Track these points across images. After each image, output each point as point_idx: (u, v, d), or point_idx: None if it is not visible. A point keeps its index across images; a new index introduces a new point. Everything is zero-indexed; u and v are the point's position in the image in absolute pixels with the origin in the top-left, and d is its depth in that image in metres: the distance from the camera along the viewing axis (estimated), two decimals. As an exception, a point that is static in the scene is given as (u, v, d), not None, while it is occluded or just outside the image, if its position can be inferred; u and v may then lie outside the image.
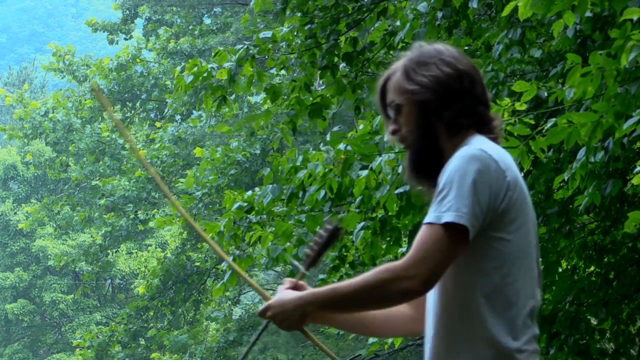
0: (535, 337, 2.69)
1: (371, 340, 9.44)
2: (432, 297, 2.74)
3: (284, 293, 2.76)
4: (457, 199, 2.57)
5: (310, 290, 2.74)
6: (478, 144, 2.67)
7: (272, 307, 2.76)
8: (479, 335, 2.63)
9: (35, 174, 31.38)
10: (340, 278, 7.51)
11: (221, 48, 7.58)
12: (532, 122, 5.16)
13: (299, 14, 7.47)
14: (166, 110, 19.83)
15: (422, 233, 2.61)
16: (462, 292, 2.65)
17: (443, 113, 2.73)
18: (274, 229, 6.88)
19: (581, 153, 4.69)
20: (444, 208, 2.58)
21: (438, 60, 2.76)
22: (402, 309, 2.94)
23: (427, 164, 2.75)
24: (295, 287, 2.84)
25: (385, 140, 6.01)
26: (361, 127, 6.40)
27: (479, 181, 2.59)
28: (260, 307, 2.80)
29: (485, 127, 2.76)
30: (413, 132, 2.76)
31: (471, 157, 2.62)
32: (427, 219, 2.61)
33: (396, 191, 6.02)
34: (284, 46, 7.60)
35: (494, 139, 2.76)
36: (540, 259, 6.18)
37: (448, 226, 2.57)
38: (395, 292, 2.61)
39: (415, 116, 2.75)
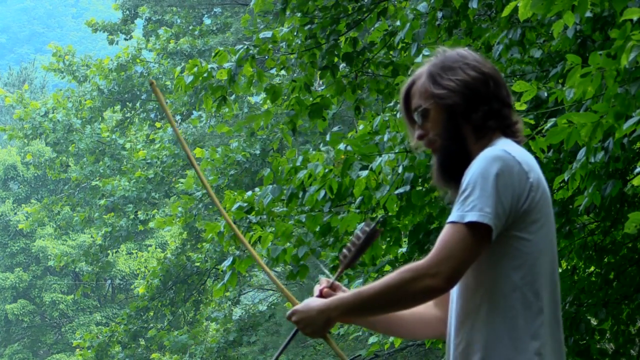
0: (556, 341, 2.70)
1: (371, 340, 9.44)
2: (453, 297, 2.76)
3: (311, 299, 2.79)
4: (481, 199, 2.60)
5: (336, 297, 2.76)
6: (502, 145, 2.70)
7: (298, 312, 2.78)
8: (498, 334, 2.64)
9: (35, 174, 31.38)
10: (340, 279, 7.50)
11: (221, 48, 7.58)
12: (532, 122, 5.17)
13: (299, 14, 7.47)
14: (166, 111, 19.78)
15: (445, 232, 2.63)
16: (482, 291, 2.67)
17: (471, 116, 2.76)
18: (274, 229, 6.88)
19: (581, 153, 4.68)
20: (468, 207, 2.61)
21: (463, 65, 2.78)
22: (431, 311, 2.96)
23: (456, 166, 2.77)
24: (331, 287, 2.88)
25: (385, 140, 6.02)
26: (361, 127, 6.40)
27: (502, 182, 2.61)
28: (288, 311, 2.82)
29: (509, 130, 2.79)
30: (441, 136, 2.79)
31: (494, 157, 2.64)
32: (450, 218, 2.64)
33: (396, 191, 6.02)
34: (284, 46, 7.60)
35: (518, 142, 2.79)
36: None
37: (471, 225, 2.59)
38: (418, 291, 2.63)
39: (443, 120, 2.78)
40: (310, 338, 3.08)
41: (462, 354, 2.70)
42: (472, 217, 2.59)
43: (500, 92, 2.79)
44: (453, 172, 2.77)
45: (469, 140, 2.77)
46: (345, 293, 2.76)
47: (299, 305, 2.80)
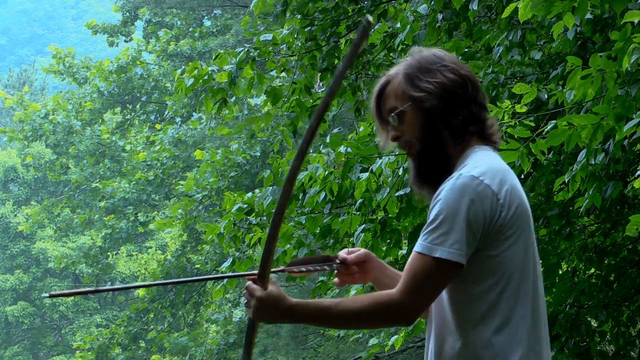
0: (537, 355, 2.67)
1: (371, 342, 9.43)
2: (433, 311, 2.74)
3: (280, 295, 2.67)
4: (450, 234, 2.58)
5: (302, 306, 2.66)
6: (472, 165, 2.66)
7: (262, 302, 2.67)
8: (478, 350, 2.63)
9: (35, 176, 31.39)
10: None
11: (221, 50, 7.59)
12: (533, 124, 5.16)
13: (299, 16, 7.47)
14: (166, 113, 19.84)
15: (413, 262, 2.61)
16: (459, 311, 2.66)
17: (450, 120, 2.72)
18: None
19: (581, 155, 4.68)
20: (437, 240, 2.59)
21: (441, 67, 2.74)
22: None
23: (434, 171, 2.74)
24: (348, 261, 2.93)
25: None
26: (361, 129, 6.40)
27: (472, 213, 2.58)
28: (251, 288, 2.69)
29: (486, 133, 2.76)
30: (419, 139, 2.74)
31: (463, 187, 2.60)
32: (418, 247, 2.61)
33: (396, 193, 6.02)
34: (284, 48, 7.60)
35: (494, 145, 2.77)
36: (541, 261, 6.18)
37: (441, 261, 2.58)
38: (388, 323, 2.67)
39: (420, 123, 2.74)
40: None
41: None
42: (441, 253, 2.57)
43: (478, 95, 2.76)
44: (431, 176, 2.74)
45: (448, 144, 2.73)
46: (311, 304, 2.67)
47: (267, 297, 2.67)
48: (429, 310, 2.76)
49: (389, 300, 2.61)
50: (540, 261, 6.24)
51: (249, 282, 2.71)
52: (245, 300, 2.72)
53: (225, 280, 7.15)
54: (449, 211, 2.59)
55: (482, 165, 2.66)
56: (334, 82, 2.74)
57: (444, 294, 2.68)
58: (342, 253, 2.98)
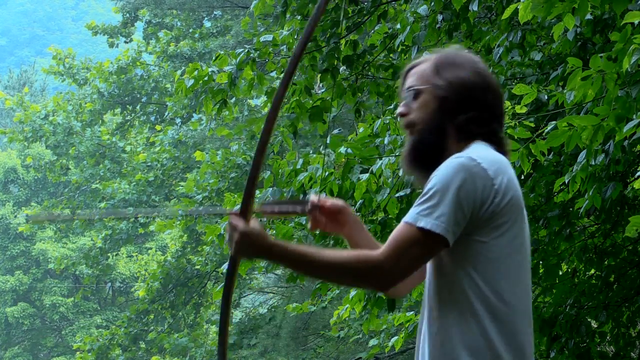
0: (524, 344, 2.68)
1: (371, 343, 9.43)
2: (425, 296, 2.76)
3: (260, 231, 2.70)
4: (438, 207, 2.61)
5: (281, 246, 2.69)
6: (472, 151, 2.70)
7: (244, 236, 2.70)
8: (469, 338, 2.64)
9: (36, 177, 31.39)
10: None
11: (221, 51, 7.59)
12: (533, 125, 5.17)
13: (299, 17, 7.47)
14: (166, 114, 19.85)
15: (399, 230, 2.65)
16: (445, 293, 2.68)
17: (458, 116, 2.76)
18: (274, 232, 6.88)
19: (582, 156, 4.69)
20: (424, 212, 2.62)
21: (470, 67, 2.81)
22: None
23: (427, 157, 2.78)
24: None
25: (386, 143, 6.02)
26: (361, 130, 6.40)
27: (464, 191, 2.61)
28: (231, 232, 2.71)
29: (494, 139, 2.79)
30: (423, 122, 2.79)
31: (459, 165, 2.64)
32: (406, 217, 2.65)
33: (396, 194, 6.02)
34: (285, 49, 7.60)
35: (502, 152, 2.78)
36: (541, 262, 6.18)
37: (425, 232, 2.60)
38: (363, 281, 2.67)
39: (431, 108, 2.79)
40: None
41: (429, 347, 2.71)
42: (425, 223, 2.60)
43: (496, 105, 2.80)
44: (423, 160, 2.79)
45: (449, 137, 2.77)
46: (291, 247, 2.69)
47: (250, 231, 2.69)
48: (424, 300, 2.76)
49: (370, 260, 2.62)
50: (541, 262, 6.26)
51: (232, 216, 2.73)
52: (228, 235, 2.73)
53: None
54: (441, 186, 2.62)
55: (481, 153, 2.70)
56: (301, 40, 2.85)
57: (430, 278, 2.71)
58: (314, 197, 3.01)
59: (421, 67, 2.85)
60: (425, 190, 2.65)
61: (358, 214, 6.46)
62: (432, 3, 6.44)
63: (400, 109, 2.85)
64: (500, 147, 2.79)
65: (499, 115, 2.81)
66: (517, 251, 2.70)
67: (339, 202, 3.03)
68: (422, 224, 2.60)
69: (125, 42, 21.74)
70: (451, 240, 2.61)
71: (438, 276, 2.70)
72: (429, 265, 2.75)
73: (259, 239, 2.69)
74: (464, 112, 2.76)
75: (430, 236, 2.60)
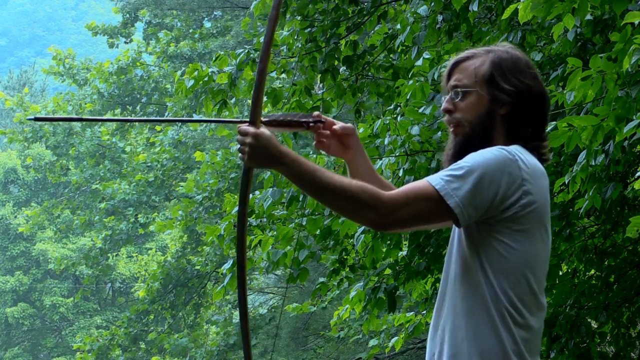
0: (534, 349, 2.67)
1: (371, 343, 9.43)
2: (443, 296, 2.74)
3: (273, 137, 2.68)
4: (461, 181, 2.58)
5: (292, 154, 2.66)
6: (515, 149, 2.67)
7: (258, 138, 2.67)
8: (482, 337, 2.63)
9: (36, 178, 31.39)
10: (340, 282, 7.51)
11: (221, 52, 7.59)
12: (533, 125, 5.16)
13: (299, 18, 7.47)
14: (166, 114, 19.84)
15: (417, 183, 2.63)
16: (469, 297, 2.66)
17: (520, 126, 2.71)
18: (274, 232, 6.88)
19: (582, 156, 4.68)
20: (446, 179, 2.59)
21: (533, 73, 2.75)
22: None
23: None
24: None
25: (386, 143, 6.01)
26: (361, 130, 6.40)
27: (490, 176, 2.59)
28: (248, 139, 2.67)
29: (539, 150, 2.75)
30: (471, 124, 2.73)
31: (498, 153, 2.62)
32: (431, 177, 2.62)
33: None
34: (285, 50, 7.60)
35: (542, 160, 2.76)
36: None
37: (439, 195, 2.58)
38: (361, 213, 2.62)
39: (480, 111, 2.73)
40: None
41: (440, 344, 2.70)
42: (442, 188, 2.57)
43: (547, 115, 2.77)
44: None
45: (496, 139, 2.72)
46: (303, 160, 2.65)
47: (264, 135, 2.67)
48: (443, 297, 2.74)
49: (376, 195, 2.60)
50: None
51: (242, 125, 2.71)
52: (239, 146, 2.69)
53: (226, 281, 7.15)
54: (473, 164, 2.59)
55: (523, 154, 2.66)
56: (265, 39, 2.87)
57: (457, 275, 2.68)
58: (315, 113, 2.97)
59: (474, 63, 2.77)
60: (459, 163, 2.63)
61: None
62: (432, 3, 6.44)
63: (445, 105, 2.78)
64: (542, 157, 2.75)
65: (546, 123, 2.78)
66: (537, 264, 2.68)
67: (348, 125, 2.98)
68: (439, 187, 2.58)
69: (126, 42, 21.75)
70: (461, 218, 2.59)
71: (459, 282, 2.67)
72: (455, 259, 2.72)
73: (271, 142, 2.66)
74: (525, 125, 2.71)
75: (441, 202, 2.58)
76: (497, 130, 2.72)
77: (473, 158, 2.61)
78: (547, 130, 2.82)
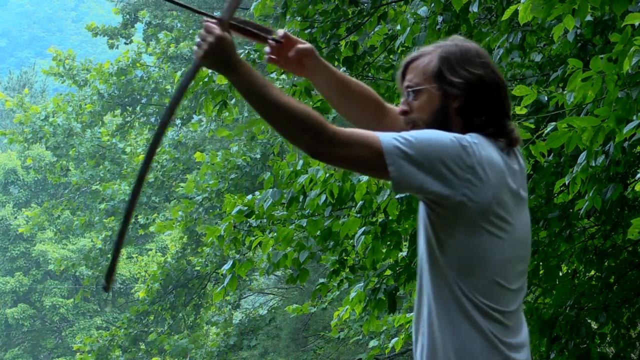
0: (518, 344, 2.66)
1: (371, 344, 9.43)
2: (421, 291, 2.71)
3: (233, 45, 2.62)
4: (409, 147, 2.53)
5: (247, 66, 2.61)
6: (474, 136, 2.63)
7: (220, 40, 2.61)
8: (449, 334, 2.61)
9: (36, 179, 31.40)
10: (341, 282, 7.51)
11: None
12: (533, 126, 5.17)
13: (299, 19, 7.48)
14: (167, 115, 19.79)
15: (369, 132, 2.58)
16: (444, 288, 2.62)
17: (472, 117, 2.68)
18: (274, 233, 6.89)
19: (582, 157, 4.69)
20: (397, 141, 2.54)
21: (483, 62, 2.71)
22: (376, 113, 2.99)
23: None
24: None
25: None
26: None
27: (442, 151, 2.54)
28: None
29: (501, 133, 2.70)
30: (427, 122, 2.70)
31: (456, 135, 2.58)
32: (383, 134, 2.57)
33: (397, 196, 6.02)
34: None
35: (509, 144, 2.71)
36: (541, 263, 6.18)
37: (382, 151, 2.53)
38: (300, 139, 2.57)
39: (433, 108, 2.70)
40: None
41: (421, 346, 2.67)
42: (387, 146, 2.52)
43: (506, 102, 2.72)
44: None
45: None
46: (256, 75, 2.59)
47: (227, 37, 2.62)
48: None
49: (321, 124, 2.56)
50: (541, 263, 6.26)
51: (209, 23, 2.65)
52: (199, 40, 2.63)
53: (226, 282, 7.14)
54: (428, 136, 2.56)
55: (481, 141, 2.62)
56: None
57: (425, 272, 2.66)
58: (281, 31, 2.94)
59: (423, 61, 2.74)
60: (417, 131, 2.60)
61: (358, 215, 6.46)
62: (432, 4, 6.44)
63: (401, 107, 2.75)
64: (510, 141, 2.70)
65: (508, 108, 2.73)
66: (518, 254, 2.67)
67: (306, 47, 2.94)
68: (385, 144, 2.53)
69: (126, 43, 21.74)
70: (397, 179, 2.53)
71: (437, 272, 2.64)
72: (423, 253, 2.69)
73: (231, 49, 2.61)
74: (479, 114, 2.67)
75: (380, 158, 2.53)
76: (453, 124, 2.67)
77: (431, 132, 2.59)
78: (510, 116, 2.74)
